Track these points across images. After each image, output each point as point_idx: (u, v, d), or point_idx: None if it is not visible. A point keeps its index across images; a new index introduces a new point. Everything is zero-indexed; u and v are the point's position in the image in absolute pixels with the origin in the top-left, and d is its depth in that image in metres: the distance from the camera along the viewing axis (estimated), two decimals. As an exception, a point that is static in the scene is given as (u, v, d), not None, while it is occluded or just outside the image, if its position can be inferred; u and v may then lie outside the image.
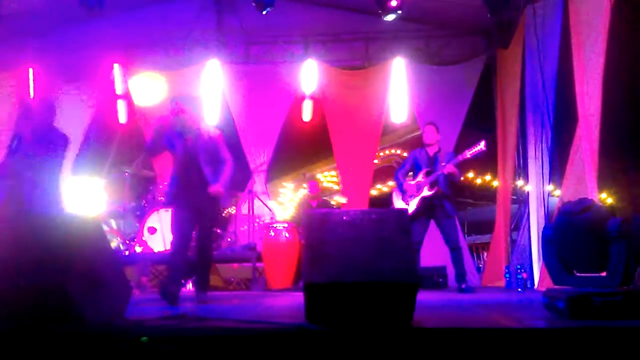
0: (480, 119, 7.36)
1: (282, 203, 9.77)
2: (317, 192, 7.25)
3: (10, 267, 2.61)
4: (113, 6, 6.53)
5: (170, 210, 6.31)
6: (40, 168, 4.37)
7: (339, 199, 7.77)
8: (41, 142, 4.40)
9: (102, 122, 7.80)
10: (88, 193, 7.17)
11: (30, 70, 7.48)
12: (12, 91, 7.46)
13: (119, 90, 7.57)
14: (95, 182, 7.20)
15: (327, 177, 10.97)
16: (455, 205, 5.42)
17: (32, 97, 7.38)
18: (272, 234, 6.25)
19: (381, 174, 9.37)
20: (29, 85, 7.48)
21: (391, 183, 9.26)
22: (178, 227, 4.23)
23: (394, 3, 6.06)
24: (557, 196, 5.68)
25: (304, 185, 7.90)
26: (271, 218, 7.20)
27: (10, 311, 2.58)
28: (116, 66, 7.55)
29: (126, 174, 6.93)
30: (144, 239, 6.33)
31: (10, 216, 3.93)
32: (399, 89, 7.35)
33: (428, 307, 3.52)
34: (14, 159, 4.27)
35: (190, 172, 4.22)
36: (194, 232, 4.32)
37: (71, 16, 6.75)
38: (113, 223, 7.01)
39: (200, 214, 4.25)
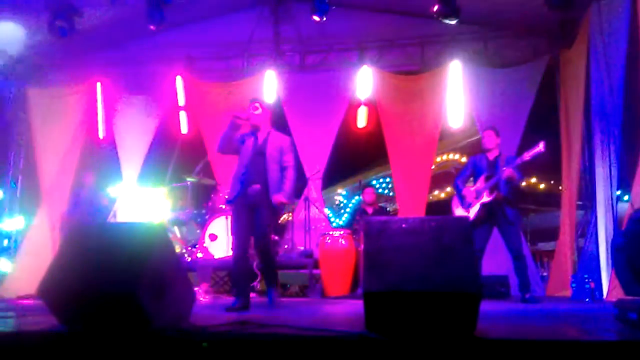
0: (543, 122, 7.11)
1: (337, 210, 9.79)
2: (373, 199, 7.23)
3: (83, 272, 2.74)
4: (174, 20, 6.78)
5: (229, 218, 6.56)
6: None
7: (394, 206, 7.71)
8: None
9: (165, 133, 8.10)
10: (153, 202, 7.46)
11: (98, 84, 7.87)
12: (82, 105, 7.86)
13: (181, 101, 7.83)
14: (159, 191, 7.47)
15: (383, 184, 10.92)
16: (517, 212, 5.26)
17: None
18: (329, 241, 6.28)
19: (439, 180, 9.23)
20: (96, 99, 7.88)
21: (449, 189, 9.12)
22: (237, 227, 4.34)
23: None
24: (626, 202, 5.41)
25: (359, 192, 7.89)
26: (325, 225, 7.23)
27: (81, 314, 2.71)
28: (178, 78, 7.81)
29: (188, 182, 7.16)
30: (205, 245, 6.51)
31: (83, 223, 4.13)
32: (456, 93, 7.22)
33: (491, 318, 3.43)
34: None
35: (255, 172, 4.29)
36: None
37: (136, 30, 7.06)
38: (176, 230, 7.25)
39: (257, 213, 4.30)
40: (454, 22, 6.02)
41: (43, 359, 2.45)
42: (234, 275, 4.39)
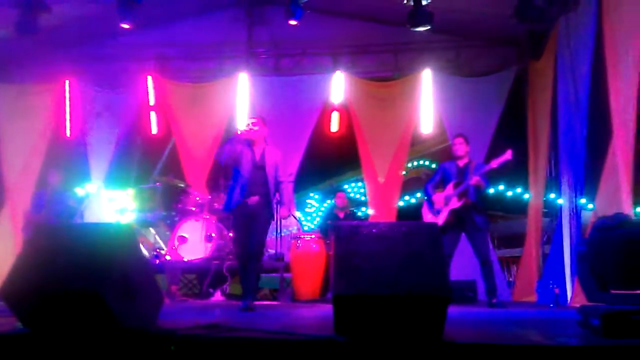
0: (511, 131, 7.26)
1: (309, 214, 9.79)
2: (344, 203, 7.26)
3: (48, 272, 2.68)
4: (147, 19, 6.69)
5: (200, 221, 6.50)
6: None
7: (366, 211, 7.76)
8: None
9: (134, 133, 7.98)
10: (120, 203, 7.33)
11: (67, 82, 7.71)
12: (50, 103, 7.68)
13: (151, 101, 7.72)
14: (127, 192, 7.35)
15: (355, 189, 10.96)
16: (485, 218, 5.36)
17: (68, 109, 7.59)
18: (300, 244, 6.28)
19: (409, 186, 9.32)
20: (65, 97, 7.71)
21: (419, 195, 9.21)
22: (238, 234, 4.77)
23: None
24: (591, 210, 5.56)
25: (332, 196, 7.92)
26: (298, 229, 7.22)
27: (46, 315, 2.65)
28: (149, 78, 7.71)
29: (157, 184, 7.06)
30: (174, 247, 6.42)
31: (48, 223, 4.03)
32: (428, 100, 7.32)
33: (458, 322, 3.48)
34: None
35: (254, 185, 4.66)
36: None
37: (108, 28, 6.93)
38: (144, 232, 7.14)
39: (256, 222, 4.64)
40: (425, 29, 6.10)
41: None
42: (242, 278, 4.74)
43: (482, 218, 5.26)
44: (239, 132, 4.75)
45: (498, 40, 7.41)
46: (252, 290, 4.62)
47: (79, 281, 2.59)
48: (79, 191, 7.50)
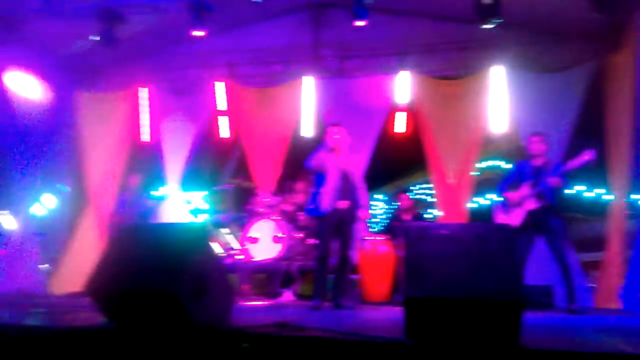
0: (589, 129, 6.88)
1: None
2: (409, 205, 7.16)
3: (128, 269, 2.82)
4: (217, 27, 6.90)
5: (269, 222, 6.63)
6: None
7: (433, 213, 7.61)
8: None
9: (206, 138, 8.24)
10: (194, 204, 7.60)
11: (144, 89, 8.08)
12: (128, 110, 8.08)
13: (221, 106, 7.95)
14: (201, 194, 7.61)
15: (422, 191, 10.80)
16: (563, 220, 5.12)
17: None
18: (368, 246, 6.25)
19: (480, 187, 9.05)
20: (142, 104, 8.09)
21: (491, 196, 8.93)
22: (322, 242, 4.99)
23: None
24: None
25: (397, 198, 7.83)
26: (365, 230, 7.20)
27: (127, 311, 2.79)
28: (219, 84, 7.94)
29: (229, 186, 7.27)
30: (245, 248, 6.58)
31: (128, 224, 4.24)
32: (499, 98, 7.08)
33: (535, 328, 3.34)
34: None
35: (342, 190, 4.93)
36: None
37: (179, 37, 7.21)
38: (216, 232, 7.36)
39: (346, 226, 4.98)
40: (492, 26, 5.91)
41: (90, 354, 2.52)
42: (315, 279, 5.12)
43: (560, 220, 5.03)
44: (326, 140, 5.04)
45: (573, 33, 7.03)
46: (344, 291, 4.97)
47: (156, 279, 2.71)
48: (156, 193, 7.85)
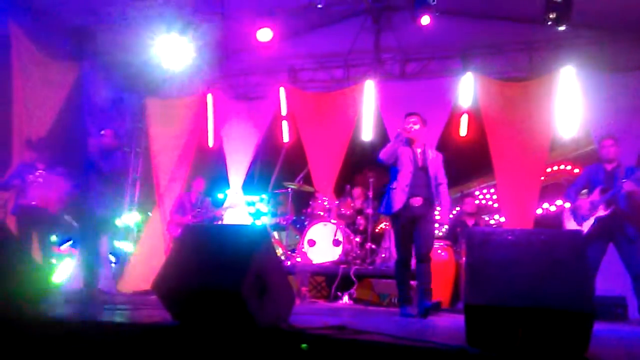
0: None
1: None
2: (474, 209, 6.99)
3: (193, 269, 2.91)
4: (280, 34, 7.04)
5: (328, 225, 6.67)
6: None
7: (497, 219, 7.40)
8: None
9: (269, 142, 8.41)
10: (256, 207, 7.76)
11: (209, 95, 8.34)
12: (195, 115, 8.36)
13: (283, 111, 8.08)
14: (262, 197, 7.76)
15: (485, 195, 10.51)
16: (638, 228, 4.83)
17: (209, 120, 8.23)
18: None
19: (548, 193, 8.71)
20: (207, 109, 8.35)
21: (559, 202, 8.58)
22: (400, 242, 4.53)
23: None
24: None
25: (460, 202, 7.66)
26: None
27: (191, 310, 2.88)
28: (282, 89, 8.08)
29: (289, 189, 7.37)
30: (304, 250, 6.65)
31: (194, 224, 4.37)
32: (568, 100, 6.78)
33: (605, 340, 3.18)
34: None
35: (417, 185, 4.45)
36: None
37: (244, 45, 7.42)
38: (276, 235, 7.48)
39: (422, 224, 4.45)
40: (563, 27, 5.68)
41: (155, 349, 2.63)
42: (399, 284, 4.62)
43: (635, 228, 4.76)
44: (400, 131, 4.52)
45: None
46: (426, 294, 4.43)
47: (220, 279, 2.78)
48: (220, 196, 8.07)
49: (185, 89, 8.39)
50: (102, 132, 5.80)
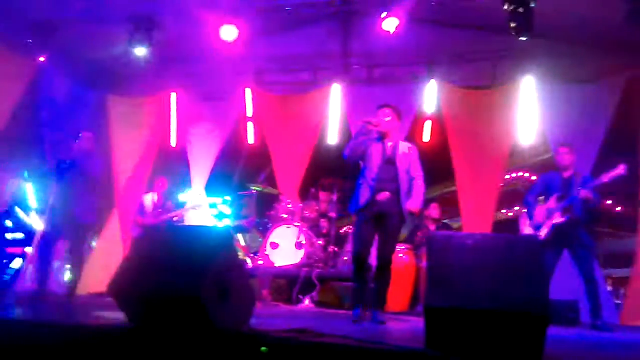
0: (620, 142, 6.73)
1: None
2: (438, 214, 7.10)
3: (151, 271, 2.85)
4: (245, 34, 6.99)
5: (291, 228, 6.64)
6: None
7: (458, 223, 7.53)
8: None
9: (233, 143, 8.33)
10: (219, 209, 7.67)
11: (173, 94, 8.21)
12: (157, 114, 8.21)
13: (249, 112, 8.02)
14: (225, 199, 7.68)
15: (446, 201, 10.68)
16: (592, 235, 5.01)
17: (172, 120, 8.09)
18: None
19: (506, 199, 8.92)
20: (170, 108, 8.21)
21: (517, 208, 8.81)
22: (358, 237, 4.25)
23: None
24: None
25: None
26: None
27: (149, 312, 2.82)
28: (247, 90, 8.02)
29: (253, 191, 7.32)
30: (266, 253, 6.61)
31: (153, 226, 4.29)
32: (528, 109, 6.98)
33: (559, 343, 3.27)
34: None
35: (385, 180, 4.21)
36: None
37: (210, 44, 7.32)
38: (239, 237, 7.41)
39: (387, 224, 4.22)
40: (524, 38, 5.84)
41: (111, 352, 2.56)
42: (353, 281, 4.36)
43: (588, 235, 4.92)
44: (367, 124, 4.25)
45: (606, 45, 6.90)
46: (382, 300, 4.24)
47: (179, 281, 2.73)
48: (181, 197, 7.95)
49: (148, 88, 8.26)
50: (81, 134, 5.69)
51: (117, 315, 3.03)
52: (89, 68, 7.67)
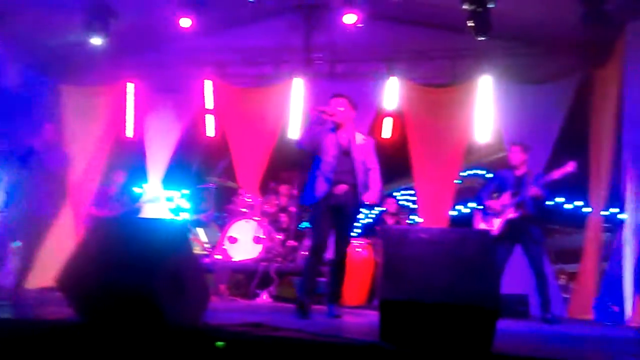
0: (573, 141, 6.97)
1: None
2: (395, 209, 7.19)
3: (102, 265, 2.77)
4: (206, 25, 6.88)
5: (250, 222, 6.59)
6: None
7: (415, 218, 7.65)
8: None
9: (192, 135, 8.19)
10: (175, 202, 7.54)
11: (130, 84, 8.00)
12: (113, 105, 7.98)
13: (208, 104, 7.90)
14: (182, 192, 7.55)
15: (404, 196, 10.84)
16: (542, 230, 5.17)
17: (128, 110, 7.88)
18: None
19: (462, 195, 9.11)
20: (125, 100, 7.99)
21: (473, 204, 9.00)
22: (317, 230, 4.17)
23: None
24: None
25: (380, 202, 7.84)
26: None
27: (99, 307, 2.74)
28: (207, 82, 7.90)
29: (211, 185, 7.23)
30: (224, 247, 6.54)
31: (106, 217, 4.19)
32: (485, 107, 7.14)
33: (509, 335, 3.36)
34: None
35: (341, 172, 4.13)
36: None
37: (169, 34, 7.18)
38: (197, 231, 7.31)
39: (344, 217, 4.16)
40: (482, 37, 5.96)
41: (58, 347, 2.48)
42: (305, 272, 4.23)
43: (539, 230, 5.09)
44: (321, 114, 4.14)
45: (560, 46, 7.12)
46: (337, 294, 4.20)
47: (131, 275, 2.66)
48: (137, 190, 7.77)
49: (105, 78, 8.02)
50: (43, 126, 5.49)
51: (66, 311, 2.94)
52: (43, 55, 7.38)
